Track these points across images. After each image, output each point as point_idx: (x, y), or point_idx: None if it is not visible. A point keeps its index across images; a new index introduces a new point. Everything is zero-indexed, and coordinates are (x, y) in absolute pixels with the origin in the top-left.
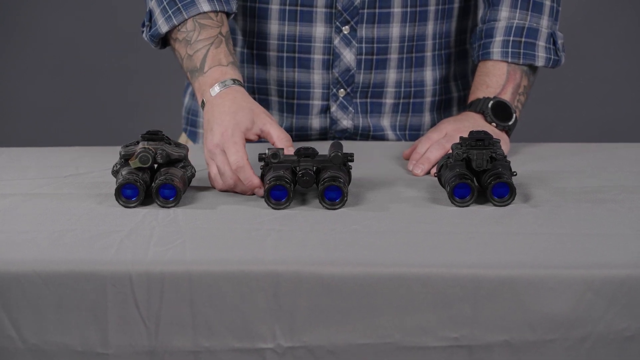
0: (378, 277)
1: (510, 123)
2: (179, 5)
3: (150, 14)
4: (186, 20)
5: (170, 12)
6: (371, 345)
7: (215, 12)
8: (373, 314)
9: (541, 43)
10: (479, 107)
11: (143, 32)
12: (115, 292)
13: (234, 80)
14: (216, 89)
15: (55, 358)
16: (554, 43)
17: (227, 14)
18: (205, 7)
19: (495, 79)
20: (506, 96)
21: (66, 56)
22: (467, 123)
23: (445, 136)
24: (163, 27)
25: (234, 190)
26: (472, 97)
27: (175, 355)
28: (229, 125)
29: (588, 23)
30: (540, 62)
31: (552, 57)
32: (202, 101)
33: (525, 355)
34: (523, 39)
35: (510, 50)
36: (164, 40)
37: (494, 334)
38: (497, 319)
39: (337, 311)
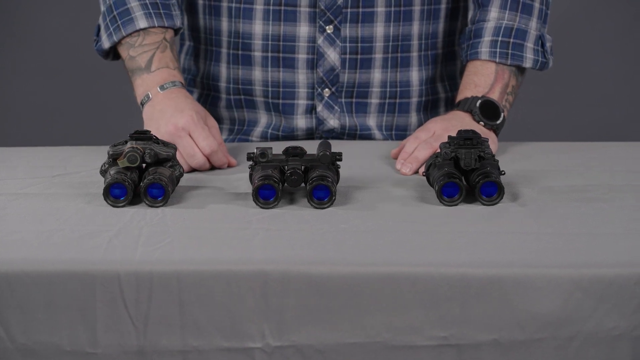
0: (366, 276)
1: (498, 122)
2: (119, 22)
3: (98, 29)
4: (124, 37)
5: (111, 29)
6: (360, 344)
7: (154, 27)
8: (362, 313)
9: (529, 45)
10: (467, 106)
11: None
12: (104, 291)
13: (182, 84)
14: (166, 86)
15: (44, 358)
16: (542, 45)
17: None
18: (142, 23)
19: (483, 78)
20: (494, 95)
21: (54, 57)
22: (455, 122)
23: (433, 135)
24: (105, 43)
25: (205, 168)
26: (460, 96)
27: (163, 354)
28: (192, 111)
29: (579, 22)
30: (527, 64)
31: (540, 59)
32: (147, 95)
33: (514, 354)
34: (511, 40)
35: (498, 50)
36: (115, 52)
37: (483, 333)
38: (486, 318)
39: (325, 310)
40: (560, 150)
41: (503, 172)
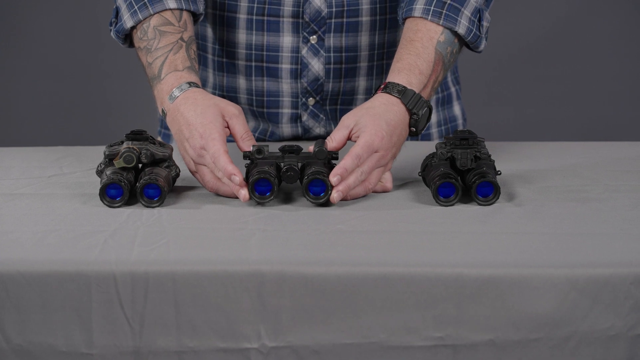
0: (362, 276)
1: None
2: (145, 0)
3: (117, 11)
4: (151, 16)
5: (136, 7)
6: (355, 345)
7: (181, 10)
8: (357, 313)
9: (466, 12)
10: (409, 100)
11: (111, 30)
12: (100, 292)
13: (190, 84)
14: (173, 95)
15: (39, 358)
16: (480, 20)
17: (194, 15)
18: (172, 4)
19: (425, 65)
20: (426, 93)
21: (51, 57)
22: (395, 136)
23: (376, 161)
24: (128, 22)
25: (220, 192)
26: (402, 76)
27: (159, 355)
28: (202, 125)
29: (579, 23)
30: (461, 30)
31: (474, 30)
32: (162, 110)
33: (509, 354)
34: (448, 1)
35: (432, 8)
36: (132, 39)
37: (479, 333)
38: (482, 318)
39: (321, 311)
40: (556, 150)
41: (499, 172)
